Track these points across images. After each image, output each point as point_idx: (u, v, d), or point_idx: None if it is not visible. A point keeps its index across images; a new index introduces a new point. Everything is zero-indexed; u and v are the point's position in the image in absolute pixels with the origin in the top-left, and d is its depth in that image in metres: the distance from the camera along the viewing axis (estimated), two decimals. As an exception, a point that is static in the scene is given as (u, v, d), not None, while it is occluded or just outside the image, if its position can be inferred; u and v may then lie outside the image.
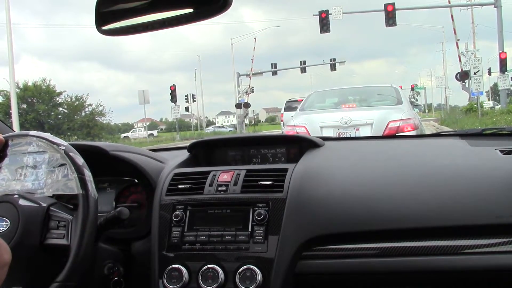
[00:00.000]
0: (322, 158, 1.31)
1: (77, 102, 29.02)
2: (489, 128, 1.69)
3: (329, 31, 19.61)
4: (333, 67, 31.73)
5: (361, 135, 5.27)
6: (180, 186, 1.22)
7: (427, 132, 6.22)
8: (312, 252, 1.10)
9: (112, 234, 1.21)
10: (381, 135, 5.03)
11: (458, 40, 21.74)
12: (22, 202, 0.99)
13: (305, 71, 32.69)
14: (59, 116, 28.70)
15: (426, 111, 58.62)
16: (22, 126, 22.10)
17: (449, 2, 20.73)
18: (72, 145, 1.09)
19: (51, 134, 1.11)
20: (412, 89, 55.97)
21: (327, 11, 19.69)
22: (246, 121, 34.11)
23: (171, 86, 25.46)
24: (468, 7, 25.03)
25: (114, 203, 1.35)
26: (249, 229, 1.11)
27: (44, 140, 1.07)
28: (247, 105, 30.18)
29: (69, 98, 29.09)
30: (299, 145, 1.45)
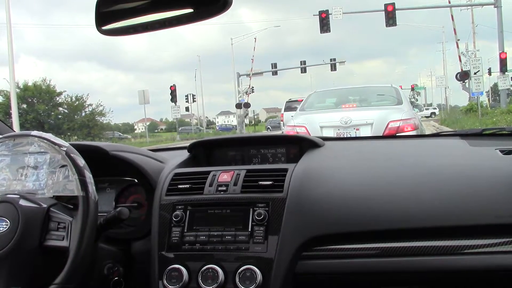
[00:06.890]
0: (322, 158, 1.31)
1: (77, 102, 28.96)
2: (489, 128, 1.69)
3: (329, 31, 19.60)
4: (333, 67, 31.70)
5: (361, 135, 5.27)
6: (180, 186, 1.22)
7: (427, 132, 6.22)
8: (312, 252, 1.10)
9: (112, 234, 1.21)
10: (381, 135, 5.03)
11: (458, 40, 21.76)
12: (22, 202, 0.99)
13: (305, 71, 32.67)
14: (59, 116, 28.62)
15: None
16: (22, 126, 22.08)
17: (449, 2, 20.73)
18: (72, 145, 1.09)
19: (51, 134, 1.11)
20: (412, 89, 55.96)
21: (327, 11, 19.69)
22: (246, 121, 34.10)
23: (171, 86, 25.51)
24: (468, 7, 25.03)
25: (114, 203, 1.35)
26: (249, 229, 1.11)
27: (45, 141, 1.07)
28: (247, 105, 30.19)
29: (69, 98, 29.02)
30: (299, 145, 1.45)
